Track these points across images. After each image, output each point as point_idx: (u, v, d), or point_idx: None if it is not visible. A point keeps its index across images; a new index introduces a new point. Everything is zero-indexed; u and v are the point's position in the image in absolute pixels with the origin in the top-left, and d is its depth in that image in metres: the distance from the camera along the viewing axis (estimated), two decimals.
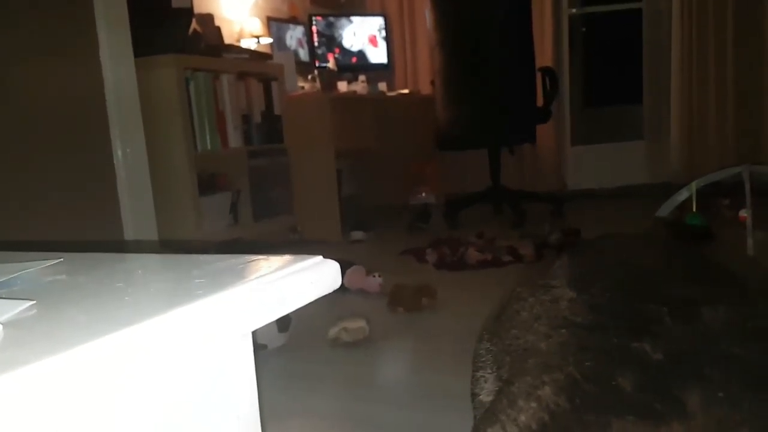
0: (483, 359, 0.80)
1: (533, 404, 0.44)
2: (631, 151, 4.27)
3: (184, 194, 2.40)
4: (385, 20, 4.24)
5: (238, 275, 0.47)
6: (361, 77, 3.83)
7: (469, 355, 0.87)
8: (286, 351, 1.58)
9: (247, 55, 2.92)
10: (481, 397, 0.79)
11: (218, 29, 3.02)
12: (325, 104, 3.02)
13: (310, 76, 3.54)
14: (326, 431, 1.18)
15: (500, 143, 3.48)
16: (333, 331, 1.60)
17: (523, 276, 2.18)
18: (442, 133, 3.40)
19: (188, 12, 2.66)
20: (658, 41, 4.13)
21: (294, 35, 3.76)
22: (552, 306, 0.59)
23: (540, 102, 3.41)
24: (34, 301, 0.43)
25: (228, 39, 3.17)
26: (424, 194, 3.72)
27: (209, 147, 2.52)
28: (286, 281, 0.46)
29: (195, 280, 0.46)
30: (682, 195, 2.40)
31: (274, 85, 2.91)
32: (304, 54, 3.83)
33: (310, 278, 0.48)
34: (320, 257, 0.51)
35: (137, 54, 2.18)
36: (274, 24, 3.61)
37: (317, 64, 3.81)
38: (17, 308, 0.41)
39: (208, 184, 2.59)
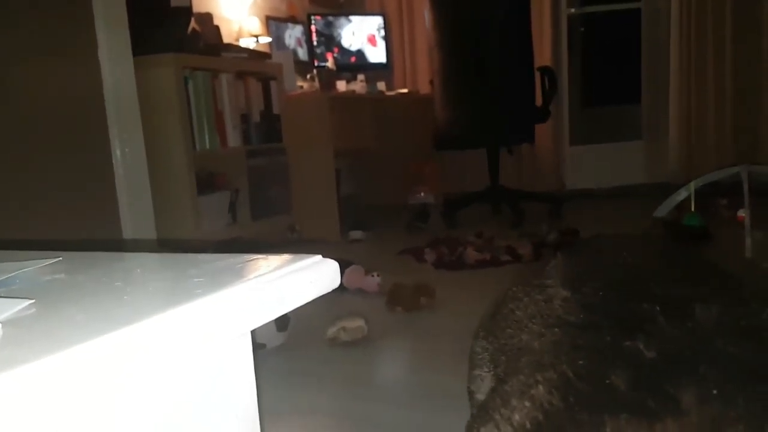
0: (480, 357, 0.80)
1: (527, 403, 0.45)
2: (630, 151, 4.28)
3: (183, 193, 2.39)
4: (384, 20, 4.24)
5: (237, 274, 0.47)
6: (360, 77, 3.82)
7: (468, 354, 0.88)
8: (284, 350, 1.58)
9: (245, 55, 2.92)
10: (478, 395, 0.79)
11: (217, 28, 3.02)
12: (324, 104, 3.02)
13: (309, 76, 3.54)
14: (325, 430, 1.18)
15: (499, 143, 3.48)
16: (331, 331, 1.60)
17: (521, 275, 2.19)
18: (441, 133, 3.40)
19: (187, 11, 2.66)
20: (656, 41, 4.13)
21: (293, 34, 3.76)
22: (546, 305, 0.59)
23: (539, 102, 3.41)
24: (33, 300, 0.43)
25: (227, 38, 3.17)
26: (422, 194, 3.73)
27: (208, 146, 2.52)
28: (285, 280, 0.46)
29: (194, 279, 0.46)
30: (681, 195, 2.40)
31: (273, 85, 2.91)
32: (302, 53, 3.83)
33: (309, 277, 0.48)
34: (319, 256, 0.52)
35: (136, 53, 2.18)
36: (273, 23, 3.61)
37: (316, 64, 3.81)
38: (16, 307, 0.41)
39: (206, 183, 2.59)
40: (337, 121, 3.15)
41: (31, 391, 0.29)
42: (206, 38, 2.77)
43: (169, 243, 2.32)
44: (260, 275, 0.46)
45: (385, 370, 1.47)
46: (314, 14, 3.93)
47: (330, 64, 3.67)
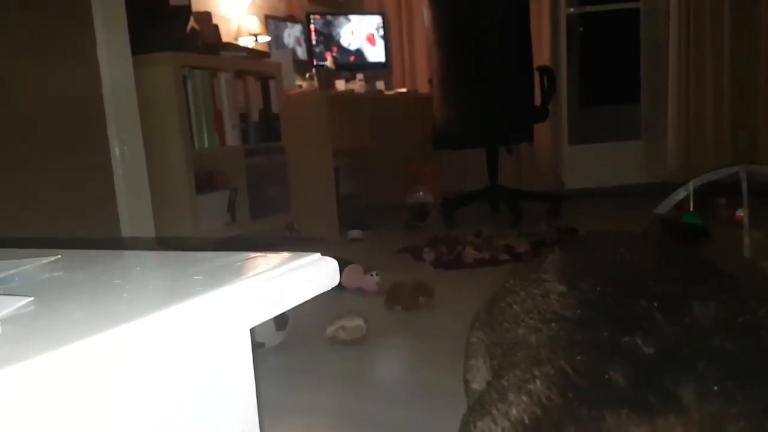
0: (475, 347, 0.80)
1: (524, 398, 0.45)
2: (629, 150, 4.28)
3: (182, 192, 2.39)
4: (383, 19, 4.24)
5: (236, 272, 0.47)
6: (359, 76, 3.82)
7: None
8: (283, 349, 1.58)
9: (244, 54, 2.92)
10: (473, 385, 0.79)
11: (216, 27, 3.02)
12: (323, 103, 3.02)
13: (307, 75, 3.54)
14: (324, 429, 1.18)
15: (498, 142, 3.48)
16: (330, 330, 1.60)
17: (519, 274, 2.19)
18: (440, 132, 3.40)
19: (186, 10, 2.65)
20: (655, 41, 4.13)
21: (292, 33, 3.76)
22: (543, 300, 0.59)
23: (537, 101, 3.41)
24: (32, 298, 0.43)
25: (226, 37, 3.17)
26: (421, 193, 3.73)
27: (206, 145, 2.52)
28: (284, 278, 0.46)
29: (193, 277, 0.46)
30: (679, 194, 2.40)
31: (272, 84, 2.91)
32: (301, 52, 3.83)
33: (308, 275, 0.48)
34: (318, 255, 0.51)
35: (135, 52, 2.18)
36: (272, 22, 3.61)
37: (315, 63, 3.81)
38: (15, 305, 0.41)
39: (205, 182, 2.59)
40: (336, 120, 3.14)
41: (29, 388, 0.29)
42: (205, 37, 2.77)
43: (167, 241, 2.32)
44: (259, 273, 0.46)
45: (384, 369, 1.47)
46: (313, 13, 3.93)
47: (329, 63, 3.67)
